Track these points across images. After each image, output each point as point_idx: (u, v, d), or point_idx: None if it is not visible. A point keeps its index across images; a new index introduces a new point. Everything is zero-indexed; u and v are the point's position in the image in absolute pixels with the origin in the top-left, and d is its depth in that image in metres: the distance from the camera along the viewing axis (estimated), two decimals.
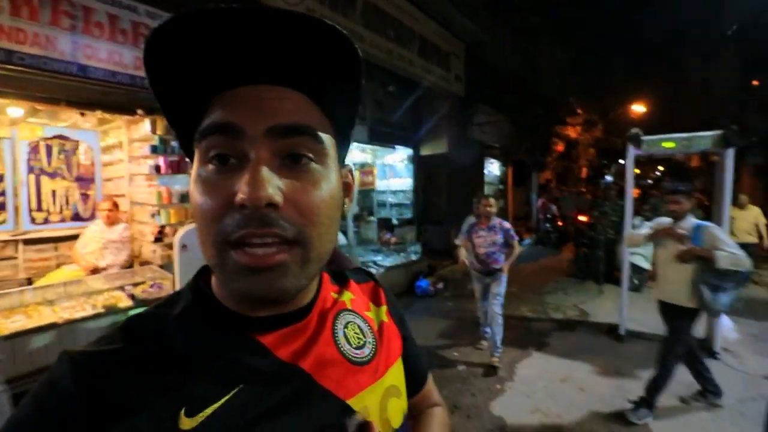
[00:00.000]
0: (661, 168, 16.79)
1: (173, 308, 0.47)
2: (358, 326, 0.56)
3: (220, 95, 0.43)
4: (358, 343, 0.54)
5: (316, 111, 0.46)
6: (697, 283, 2.63)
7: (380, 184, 7.69)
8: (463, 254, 4.02)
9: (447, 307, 5.56)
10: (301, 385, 0.46)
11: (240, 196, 0.39)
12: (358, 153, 7.22)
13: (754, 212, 6.16)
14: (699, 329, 3.97)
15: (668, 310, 2.84)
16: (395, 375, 0.57)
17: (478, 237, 3.78)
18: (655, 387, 2.80)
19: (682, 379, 3.00)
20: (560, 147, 14.63)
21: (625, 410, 2.88)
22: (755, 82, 10.14)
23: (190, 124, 0.44)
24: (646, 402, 2.81)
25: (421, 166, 7.90)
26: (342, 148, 0.51)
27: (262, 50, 0.41)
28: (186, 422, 0.39)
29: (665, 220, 2.92)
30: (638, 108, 13.83)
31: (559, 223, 10.91)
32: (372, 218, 7.51)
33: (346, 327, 0.54)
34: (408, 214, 7.86)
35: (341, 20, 4.75)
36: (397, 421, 0.53)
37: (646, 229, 3.00)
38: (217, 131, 0.41)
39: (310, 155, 0.43)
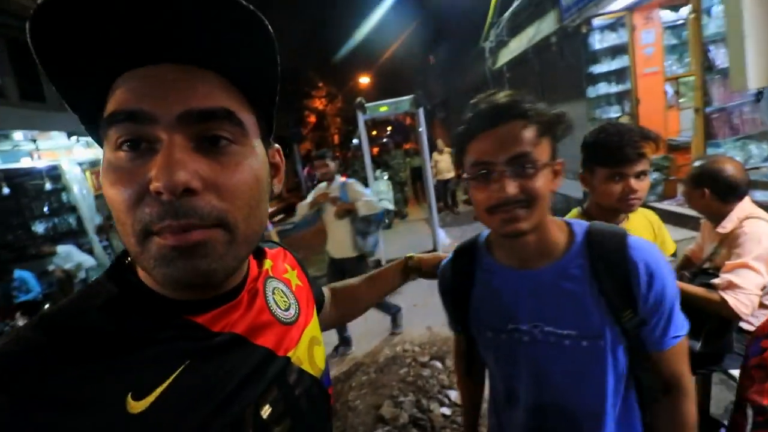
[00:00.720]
0: (389, 128, 20.62)
1: (93, 300, 0.43)
2: (282, 290, 0.62)
3: (124, 76, 0.40)
4: (285, 306, 0.60)
5: (231, 90, 0.43)
6: (352, 233, 3.11)
7: None
8: None
9: None
10: (242, 350, 0.48)
11: (155, 184, 0.37)
12: (83, 150, 5.75)
13: (447, 154, 8.53)
14: (427, 244, 5.44)
15: (343, 264, 3.21)
16: (314, 327, 0.65)
17: None
18: (390, 308, 3.62)
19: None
20: (312, 119, 15.84)
21: (391, 327, 3.70)
22: (431, 59, 13.79)
23: (93, 106, 0.40)
24: (394, 317, 3.65)
25: None
26: (266, 128, 0.50)
27: (165, 26, 0.37)
28: (135, 405, 0.39)
29: (322, 186, 3.26)
30: (364, 80, 16.47)
31: None
32: None
33: (273, 293, 0.59)
34: None
35: None
36: (322, 363, 0.62)
37: (312, 196, 3.32)
38: (125, 119, 0.38)
39: (229, 137, 0.42)
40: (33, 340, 0.39)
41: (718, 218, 1.55)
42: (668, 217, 4.45)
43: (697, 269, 1.66)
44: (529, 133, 0.69)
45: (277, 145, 0.56)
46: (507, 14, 7.04)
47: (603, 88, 5.72)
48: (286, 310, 0.59)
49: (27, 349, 0.38)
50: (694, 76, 4.17)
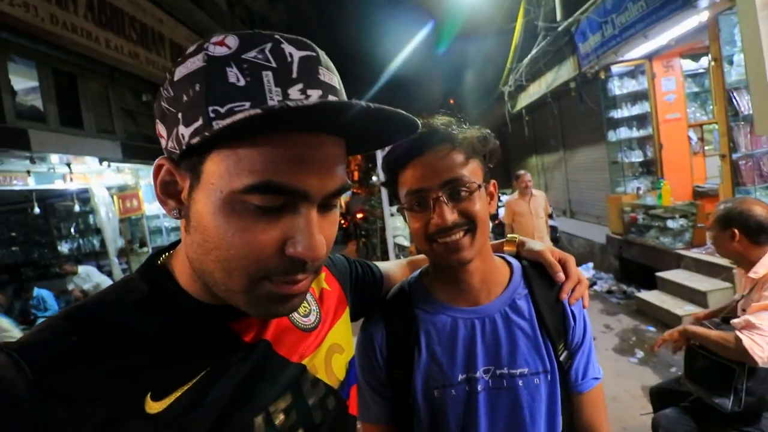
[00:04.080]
0: None
1: (125, 296, 0.45)
2: None
3: (280, 135, 0.38)
4: (305, 311, 0.59)
5: (346, 154, 0.46)
6: None
7: (150, 208, 6.68)
8: None
9: None
10: (263, 358, 0.49)
11: (301, 252, 0.40)
12: (113, 175, 6.03)
13: None
14: None
15: None
16: (337, 334, 0.63)
17: None
18: None
19: None
20: None
21: None
22: (451, 101, 14.35)
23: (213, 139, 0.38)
24: None
25: None
26: None
27: (354, 126, 0.40)
28: (153, 406, 0.39)
29: None
30: None
31: (343, 222, 12.21)
32: (146, 249, 6.43)
33: None
34: None
35: (59, 12, 3.92)
36: (341, 373, 0.60)
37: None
38: (279, 192, 0.39)
39: (337, 202, 0.46)
40: (61, 330, 0.39)
41: (749, 263, 1.47)
42: (698, 267, 4.23)
43: (721, 319, 1.56)
44: (457, 156, 0.69)
45: None
46: (526, 60, 7.24)
47: (624, 133, 5.70)
48: (305, 316, 0.59)
49: (54, 340, 0.39)
50: (718, 123, 4.11)
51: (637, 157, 5.69)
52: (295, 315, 0.57)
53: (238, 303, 0.43)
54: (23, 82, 4.26)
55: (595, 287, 5.47)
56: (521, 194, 4.41)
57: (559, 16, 6.15)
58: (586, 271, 5.96)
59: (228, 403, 0.44)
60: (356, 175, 18.82)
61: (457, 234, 0.68)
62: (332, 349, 0.60)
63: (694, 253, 4.36)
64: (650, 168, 5.63)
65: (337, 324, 0.65)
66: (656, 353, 1.65)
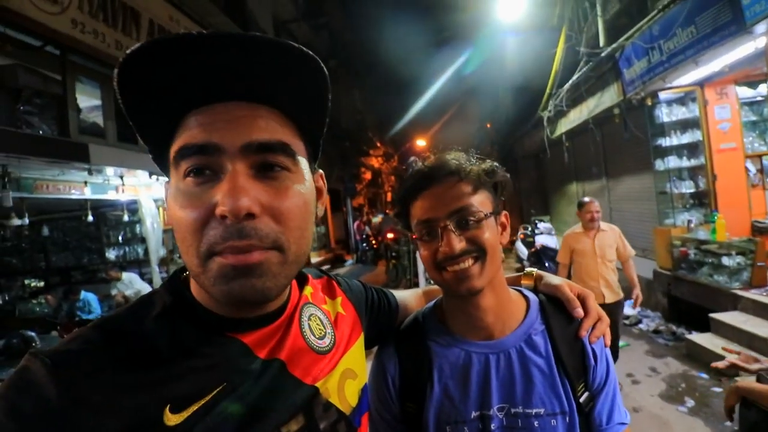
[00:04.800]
0: None
1: (150, 309, 0.47)
2: (319, 318, 0.62)
3: (193, 113, 0.44)
4: (320, 333, 0.59)
5: (287, 124, 0.48)
6: None
7: None
8: None
9: None
10: (278, 377, 0.50)
11: (221, 208, 0.41)
12: (160, 188, 6.35)
13: None
14: None
15: None
16: (351, 359, 0.63)
17: None
18: None
19: None
20: (368, 175, 16.54)
21: None
22: (488, 125, 14.29)
23: (163, 138, 0.46)
24: None
25: None
26: (312, 153, 0.55)
27: (232, 71, 0.42)
28: (171, 418, 0.41)
29: None
30: (420, 142, 17.19)
31: (374, 243, 12.22)
32: None
33: (309, 319, 0.59)
34: None
35: (124, 39, 4.29)
36: (353, 399, 0.59)
37: None
38: (196, 152, 0.43)
39: (283, 165, 0.46)
40: (91, 340, 0.42)
41: None
42: (757, 310, 3.84)
43: None
44: (465, 187, 0.71)
45: (320, 171, 0.58)
46: (567, 85, 7.09)
47: (673, 162, 5.38)
48: (321, 338, 0.59)
49: (84, 349, 0.41)
50: None
51: (687, 187, 5.34)
52: (311, 336, 0.57)
53: (206, 288, 0.44)
54: (87, 100, 4.67)
55: (641, 325, 5.09)
56: (585, 228, 3.37)
57: (602, 42, 6.02)
58: (631, 309, 5.57)
59: (242, 420, 0.45)
60: (389, 196, 18.94)
61: (466, 262, 0.69)
62: (346, 374, 0.60)
63: (753, 294, 3.97)
64: (702, 200, 5.26)
65: (352, 349, 0.64)
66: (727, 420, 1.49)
